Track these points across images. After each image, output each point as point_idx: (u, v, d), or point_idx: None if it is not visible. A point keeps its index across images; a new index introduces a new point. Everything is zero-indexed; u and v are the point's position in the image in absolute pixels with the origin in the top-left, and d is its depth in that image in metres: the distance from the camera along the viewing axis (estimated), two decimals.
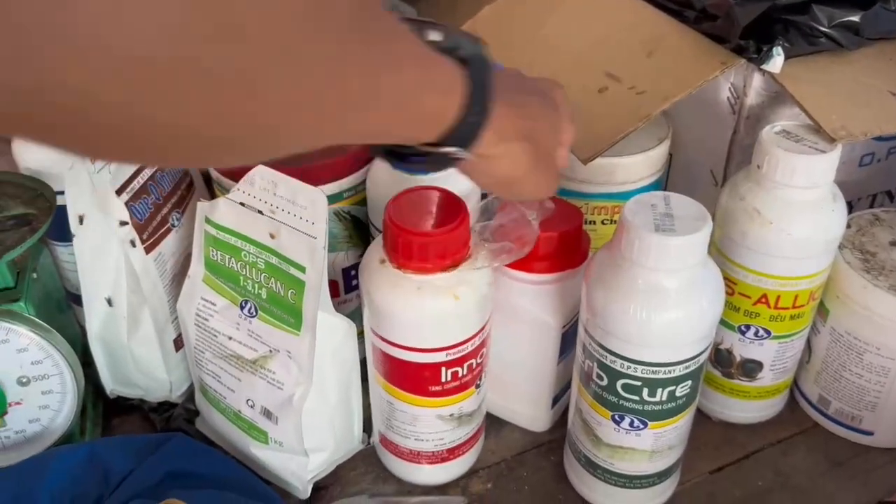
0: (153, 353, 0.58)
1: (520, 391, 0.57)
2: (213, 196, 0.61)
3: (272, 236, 0.47)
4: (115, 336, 0.57)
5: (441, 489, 0.56)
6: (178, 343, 0.59)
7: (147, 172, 0.55)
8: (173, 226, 0.57)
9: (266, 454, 0.54)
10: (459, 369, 0.48)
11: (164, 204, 0.56)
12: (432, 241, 0.43)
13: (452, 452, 0.53)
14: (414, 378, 0.48)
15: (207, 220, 0.50)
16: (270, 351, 0.51)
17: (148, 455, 0.54)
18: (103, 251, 0.54)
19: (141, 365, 0.58)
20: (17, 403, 0.54)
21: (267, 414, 0.52)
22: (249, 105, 0.23)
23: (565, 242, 0.50)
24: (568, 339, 0.53)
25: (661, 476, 0.51)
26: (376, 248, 0.46)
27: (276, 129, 0.25)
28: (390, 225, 0.43)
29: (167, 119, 0.21)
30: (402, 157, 0.36)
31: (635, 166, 0.57)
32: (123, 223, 0.52)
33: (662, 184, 0.62)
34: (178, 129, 0.22)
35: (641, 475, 0.50)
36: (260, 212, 0.47)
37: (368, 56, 0.26)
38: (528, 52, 0.39)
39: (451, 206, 0.45)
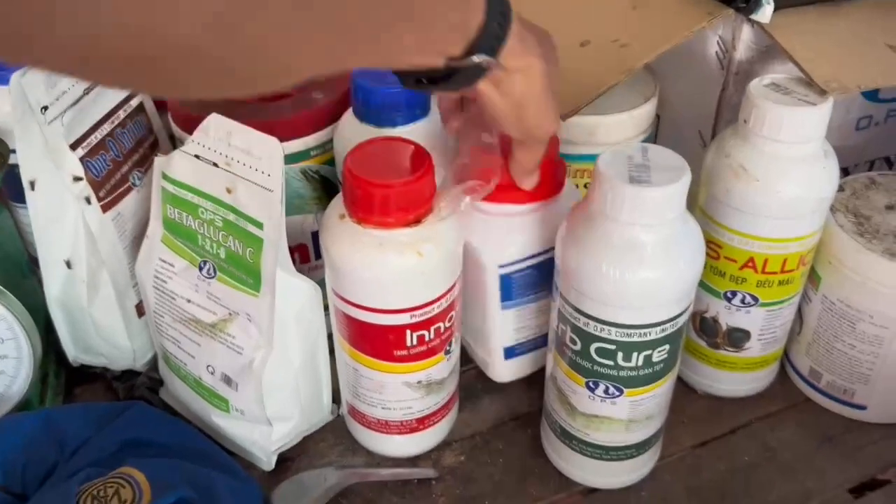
0: (114, 319, 0.55)
1: (474, 333, 0.54)
2: None
3: (229, 191, 0.45)
4: (75, 301, 0.54)
5: (412, 461, 0.53)
6: (141, 309, 0.57)
7: (106, 128, 0.52)
8: (134, 185, 0.54)
9: (228, 423, 0.52)
10: (426, 333, 0.45)
11: (125, 162, 0.53)
12: (394, 193, 0.40)
13: (422, 422, 0.51)
14: (378, 342, 0.45)
15: (164, 176, 0.48)
16: (230, 314, 0.48)
17: (107, 423, 0.52)
18: (60, 209, 0.51)
19: (102, 331, 0.56)
20: None
21: (227, 380, 0.50)
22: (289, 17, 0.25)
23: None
24: (516, 284, 0.49)
25: (639, 448, 0.48)
26: (336, 203, 0.44)
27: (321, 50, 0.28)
28: (349, 176, 0.41)
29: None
30: (433, 81, 0.36)
31: (619, 125, 0.54)
32: (77, 178, 0.49)
33: None
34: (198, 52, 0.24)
35: (619, 446, 0.47)
36: (215, 164, 0.44)
37: None
38: None
39: (415, 156, 0.42)
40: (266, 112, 0.51)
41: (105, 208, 0.51)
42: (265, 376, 0.48)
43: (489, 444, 0.55)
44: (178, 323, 0.51)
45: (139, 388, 0.58)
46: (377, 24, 0.29)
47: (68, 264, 0.53)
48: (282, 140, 0.44)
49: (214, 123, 0.44)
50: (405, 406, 0.49)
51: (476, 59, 0.34)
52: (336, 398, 0.55)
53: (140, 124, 0.56)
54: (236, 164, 0.44)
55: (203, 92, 0.29)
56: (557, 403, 0.48)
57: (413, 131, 0.49)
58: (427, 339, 0.45)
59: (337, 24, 0.27)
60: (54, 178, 0.50)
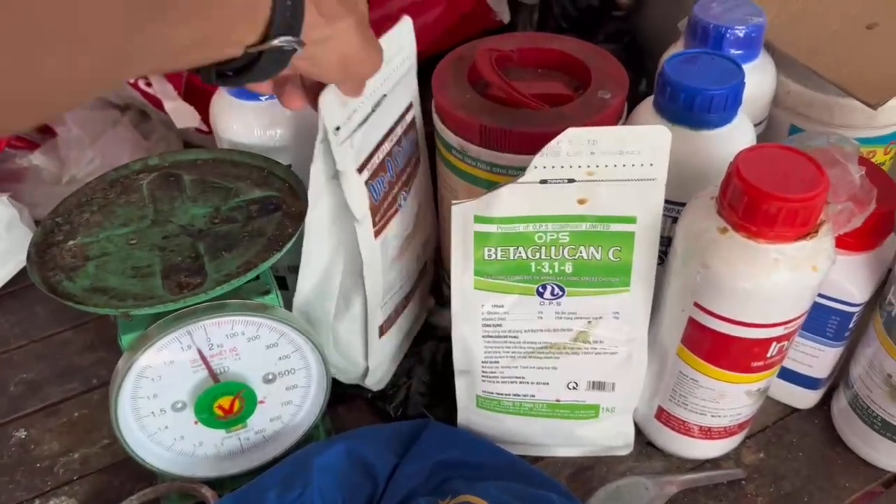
0: (356, 337, 0.53)
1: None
2: (434, 174, 0.56)
3: (581, 202, 0.42)
4: (320, 313, 0.51)
5: (713, 462, 0.53)
6: (384, 329, 0.55)
7: (386, 147, 0.49)
8: (399, 206, 0.52)
9: (591, 429, 0.52)
10: (786, 342, 0.44)
11: (396, 182, 0.51)
12: (800, 207, 0.38)
13: (742, 426, 0.50)
14: (738, 354, 0.44)
15: (480, 220, 0.44)
16: (589, 321, 0.47)
17: (406, 446, 0.51)
18: (325, 225, 0.48)
19: (340, 346, 0.53)
20: (261, 402, 0.49)
21: (598, 386, 0.49)
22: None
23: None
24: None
25: None
26: (703, 216, 0.42)
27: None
28: (748, 189, 0.38)
29: None
30: (238, 73, 0.33)
31: None
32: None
33: None
34: None
35: None
36: (570, 180, 0.42)
37: None
38: None
39: (802, 165, 0.40)
40: (559, 120, 0.48)
41: (377, 234, 0.49)
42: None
43: (781, 437, 0.54)
44: (520, 359, 0.49)
45: (415, 404, 0.56)
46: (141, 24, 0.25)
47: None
48: None
49: (568, 139, 0.41)
50: (736, 413, 0.48)
51: (276, 43, 0.31)
52: None
53: (411, 141, 0.52)
54: (601, 170, 0.41)
55: None
56: (885, 399, 0.48)
57: (727, 133, 0.47)
58: (785, 348, 0.44)
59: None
60: (332, 198, 0.47)
